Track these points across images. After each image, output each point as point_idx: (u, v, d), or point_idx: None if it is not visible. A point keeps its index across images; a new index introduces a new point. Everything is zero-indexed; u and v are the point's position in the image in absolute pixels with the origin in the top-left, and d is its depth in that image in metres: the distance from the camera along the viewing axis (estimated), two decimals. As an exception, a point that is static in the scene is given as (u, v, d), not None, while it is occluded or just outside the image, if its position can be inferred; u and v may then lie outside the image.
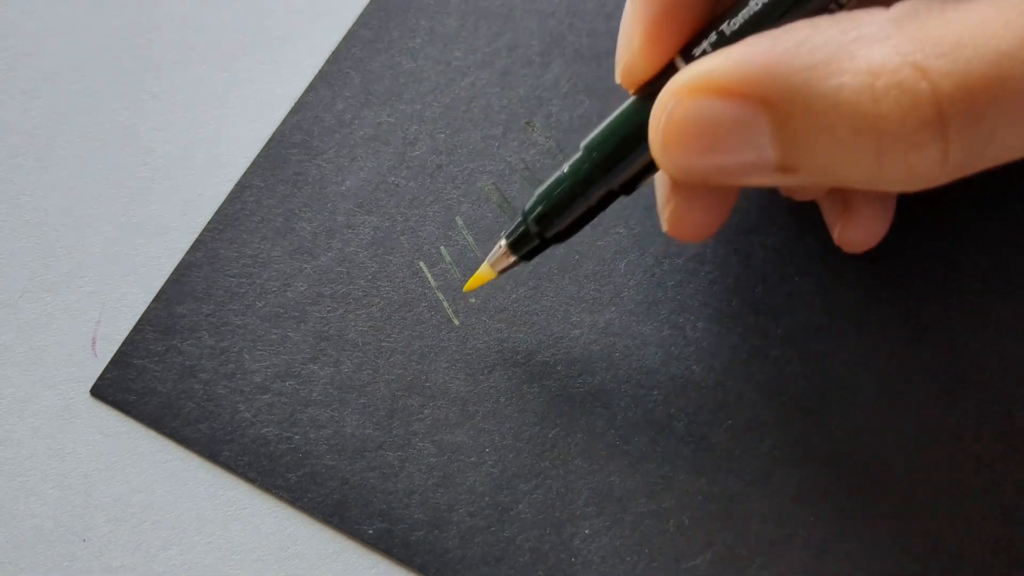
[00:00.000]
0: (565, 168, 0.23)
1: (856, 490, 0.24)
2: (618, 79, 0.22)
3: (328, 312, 0.27)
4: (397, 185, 0.29)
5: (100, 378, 0.27)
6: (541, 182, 0.24)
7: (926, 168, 0.18)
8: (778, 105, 0.19)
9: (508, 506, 0.25)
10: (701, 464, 0.25)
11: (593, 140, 0.22)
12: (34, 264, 0.29)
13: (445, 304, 0.27)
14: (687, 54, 0.21)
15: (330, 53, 0.31)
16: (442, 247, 0.28)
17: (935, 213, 0.27)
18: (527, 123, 0.29)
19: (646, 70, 0.21)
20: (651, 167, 0.22)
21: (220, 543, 0.25)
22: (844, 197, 0.25)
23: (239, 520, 0.25)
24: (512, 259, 0.24)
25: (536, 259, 0.25)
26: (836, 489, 0.24)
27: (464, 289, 0.26)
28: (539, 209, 0.23)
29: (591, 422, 0.25)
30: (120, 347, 0.27)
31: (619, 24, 0.30)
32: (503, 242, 0.24)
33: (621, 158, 0.22)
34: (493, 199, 0.28)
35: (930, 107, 0.18)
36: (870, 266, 0.26)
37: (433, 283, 0.27)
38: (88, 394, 0.27)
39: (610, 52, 0.30)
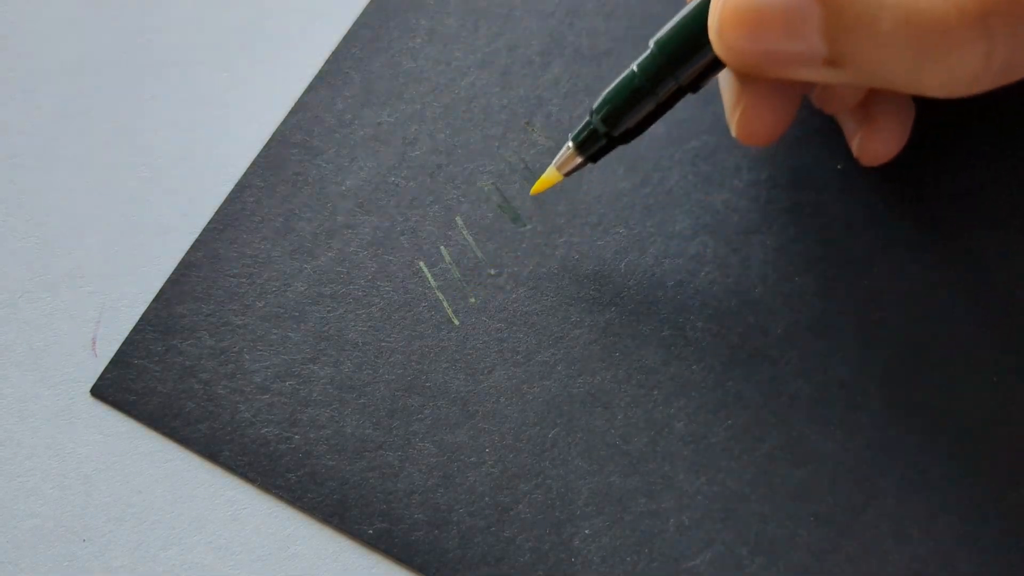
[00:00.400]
0: (634, 67, 0.23)
1: (856, 490, 0.24)
2: None
3: (328, 312, 0.27)
4: (397, 185, 0.29)
5: (100, 378, 0.27)
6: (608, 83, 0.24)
7: (967, 70, 0.19)
8: None
9: (508, 506, 0.25)
10: (701, 464, 0.25)
11: (663, 36, 0.23)
12: (34, 264, 0.29)
13: (445, 304, 0.27)
14: None
15: (330, 53, 0.31)
16: (442, 247, 0.28)
17: (933, 209, 0.27)
18: (527, 123, 0.29)
19: None
20: (718, 63, 0.22)
21: (220, 543, 0.25)
22: (865, 110, 0.25)
23: (239, 520, 0.25)
24: (579, 160, 0.25)
25: (537, 260, 0.25)
26: (836, 489, 0.24)
27: (531, 192, 0.26)
28: (607, 108, 0.24)
29: (591, 422, 0.25)
30: (120, 347, 0.27)
31: (619, 25, 0.30)
32: (570, 143, 0.24)
33: (690, 53, 0.22)
34: (493, 199, 0.28)
35: (974, 3, 0.18)
36: (870, 266, 0.26)
37: (433, 283, 0.27)
38: (88, 394, 0.27)
39: (610, 52, 0.30)
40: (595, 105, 0.24)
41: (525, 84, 0.30)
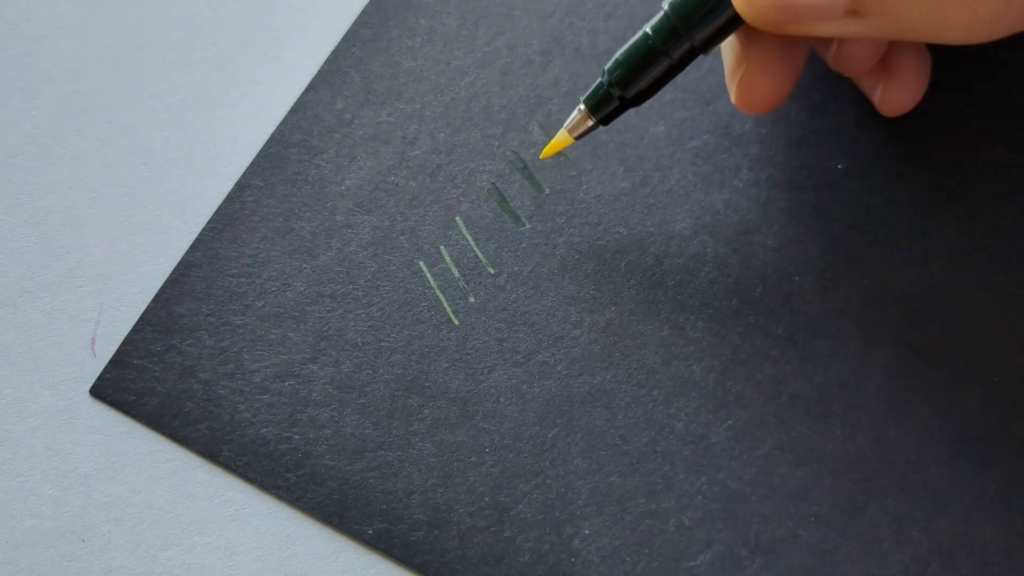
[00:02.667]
0: (647, 28, 0.23)
1: (856, 490, 0.24)
2: None
3: (328, 312, 0.27)
4: (397, 185, 0.29)
5: (99, 378, 0.27)
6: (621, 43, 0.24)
7: (990, 11, 0.18)
8: None
9: (508, 506, 0.25)
10: (701, 464, 0.25)
11: None
12: (34, 264, 0.29)
13: (445, 304, 0.27)
14: None
15: (330, 52, 0.31)
16: (442, 247, 0.28)
17: (933, 209, 0.27)
18: (527, 123, 0.29)
19: None
20: (731, 24, 0.22)
21: (220, 543, 0.25)
22: (884, 62, 0.25)
23: (239, 520, 0.25)
24: (590, 123, 0.25)
25: (537, 260, 0.25)
26: (836, 489, 0.24)
27: (541, 156, 0.26)
28: (620, 70, 0.24)
29: (591, 422, 0.25)
30: (119, 347, 0.27)
31: (619, 24, 0.30)
32: (581, 106, 0.24)
33: (704, 13, 0.22)
34: (493, 199, 0.28)
35: None
36: (870, 266, 0.26)
37: (433, 283, 0.27)
38: (87, 394, 0.27)
39: (610, 52, 0.30)
40: (607, 66, 0.24)
41: (525, 84, 0.30)
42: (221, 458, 0.26)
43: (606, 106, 0.25)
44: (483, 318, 0.27)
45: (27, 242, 0.29)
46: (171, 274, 0.28)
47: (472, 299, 0.27)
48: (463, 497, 0.25)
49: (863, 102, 0.28)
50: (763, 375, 0.26)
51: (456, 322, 0.27)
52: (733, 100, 0.24)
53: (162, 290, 0.28)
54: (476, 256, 0.28)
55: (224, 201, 0.29)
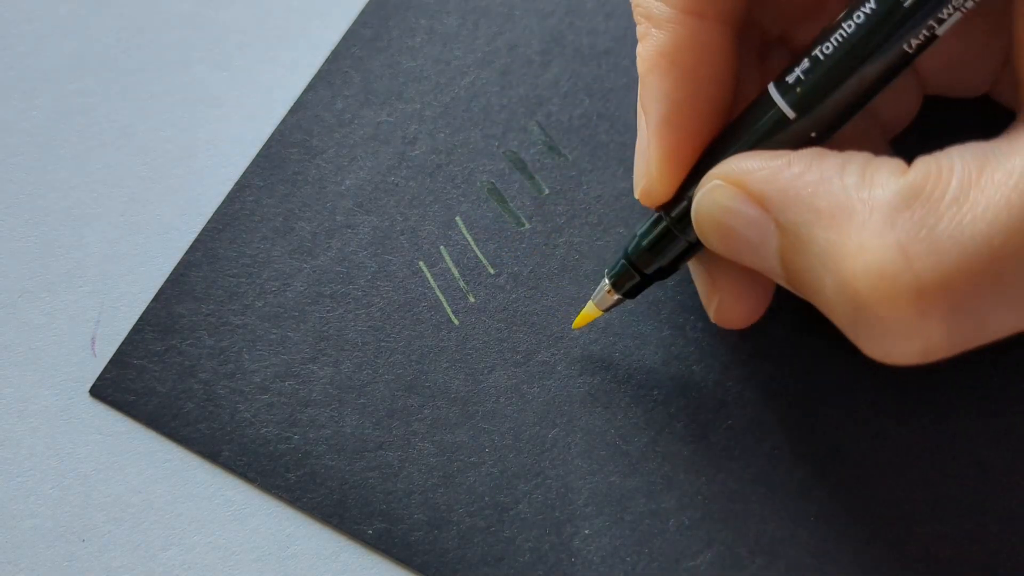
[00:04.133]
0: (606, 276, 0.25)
1: (856, 490, 0.24)
2: (637, 196, 0.23)
3: (328, 312, 0.27)
4: (397, 185, 0.29)
5: (99, 378, 0.27)
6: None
7: (903, 354, 0.19)
8: (786, 230, 0.19)
9: (508, 506, 0.25)
10: (701, 464, 0.25)
11: (629, 248, 0.24)
12: (34, 264, 0.29)
13: (445, 304, 0.27)
14: (780, 82, 0.21)
15: (330, 52, 0.31)
16: (442, 247, 0.28)
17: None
18: (527, 123, 0.29)
19: (664, 194, 0.23)
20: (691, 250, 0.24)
21: (220, 543, 0.25)
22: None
23: (239, 520, 0.25)
24: (616, 297, 0.25)
25: (537, 260, 0.25)
26: (836, 489, 0.24)
27: (573, 326, 0.26)
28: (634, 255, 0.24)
29: (591, 422, 0.25)
30: (119, 347, 0.27)
31: (620, 24, 0.30)
32: (606, 280, 0.25)
33: (655, 256, 0.24)
34: (493, 199, 0.28)
35: (909, 300, 0.18)
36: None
37: (433, 283, 0.27)
38: (87, 394, 0.27)
39: (610, 51, 0.30)
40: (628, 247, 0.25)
41: (525, 83, 0.30)
42: (221, 458, 0.26)
43: (628, 282, 0.25)
44: (483, 318, 0.27)
45: (27, 242, 0.29)
46: (171, 274, 0.28)
47: (472, 299, 0.27)
48: (463, 497, 0.25)
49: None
50: (763, 375, 0.26)
51: (456, 322, 0.27)
52: (712, 320, 0.24)
53: (162, 290, 0.28)
54: (476, 256, 0.28)
55: (224, 201, 0.29)
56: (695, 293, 0.27)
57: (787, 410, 0.25)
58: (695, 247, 0.23)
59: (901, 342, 0.18)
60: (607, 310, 0.25)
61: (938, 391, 0.25)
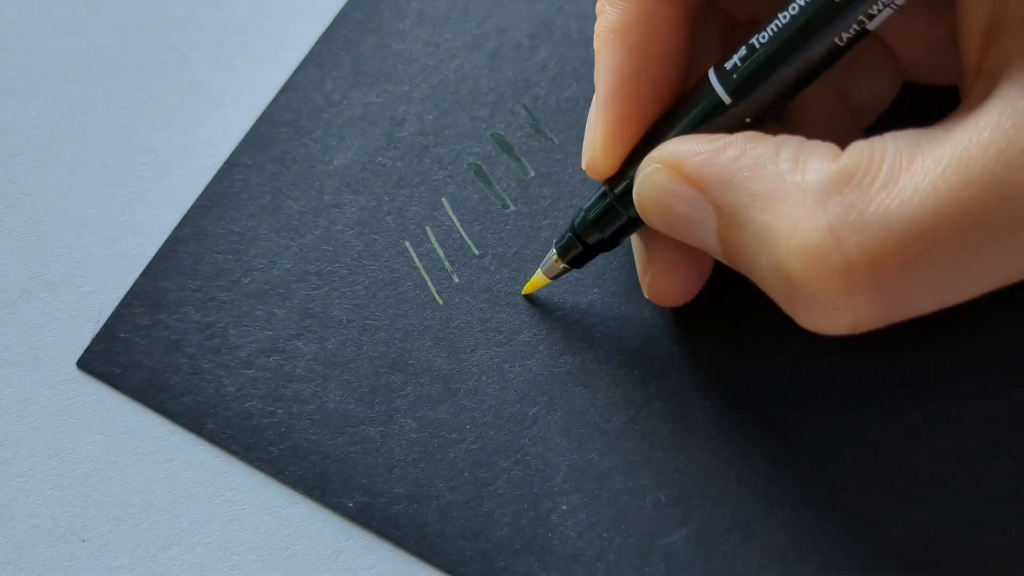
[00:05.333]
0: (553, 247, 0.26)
1: (833, 471, 0.24)
2: (583, 167, 0.24)
3: (313, 289, 0.27)
4: (384, 165, 0.29)
5: (86, 351, 0.27)
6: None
7: (833, 326, 0.20)
8: (723, 211, 0.20)
9: (487, 482, 0.25)
10: (679, 443, 0.25)
11: (575, 221, 0.25)
12: (34, 264, 0.29)
13: (429, 283, 0.27)
14: (719, 67, 0.22)
15: (320, 34, 0.31)
16: (428, 227, 0.28)
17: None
18: (514, 106, 0.29)
19: (606, 168, 0.23)
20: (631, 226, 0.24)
21: (220, 543, 0.25)
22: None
23: (239, 520, 0.25)
24: (562, 266, 0.26)
25: (522, 242, 0.26)
26: (813, 470, 0.25)
27: (523, 292, 0.27)
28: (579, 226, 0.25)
29: (571, 401, 0.26)
30: (107, 320, 0.27)
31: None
32: (553, 250, 0.26)
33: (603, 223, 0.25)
34: (479, 180, 0.29)
35: (838, 277, 0.19)
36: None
37: (418, 263, 0.28)
38: (87, 394, 0.27)
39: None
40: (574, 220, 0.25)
41: (513, 67, 0.30)
42: (205, 431, 0.26)
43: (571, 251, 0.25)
44: (467, 298, 0.27)
45: (27, 242, 0.29)
46: (159, 250, 0.28)
47: (456, 279, 0.27)
48: (443, 472, 0.25)
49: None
50: (742, 355, 0.26)
51: (440, 301, 0.27)
52: (645, 295, 0.25)
53: (150, 265, 0.28)
54: (461, 237, 0.28)
55: (213, 179, 0.29)
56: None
57: (766, 392, 0.25)
58: (636, 222, 0.24)
59: (831, 315, 0.19)
60: (554, 278, 0.26)
61: (914, 374, 0.25)
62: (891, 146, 0.19)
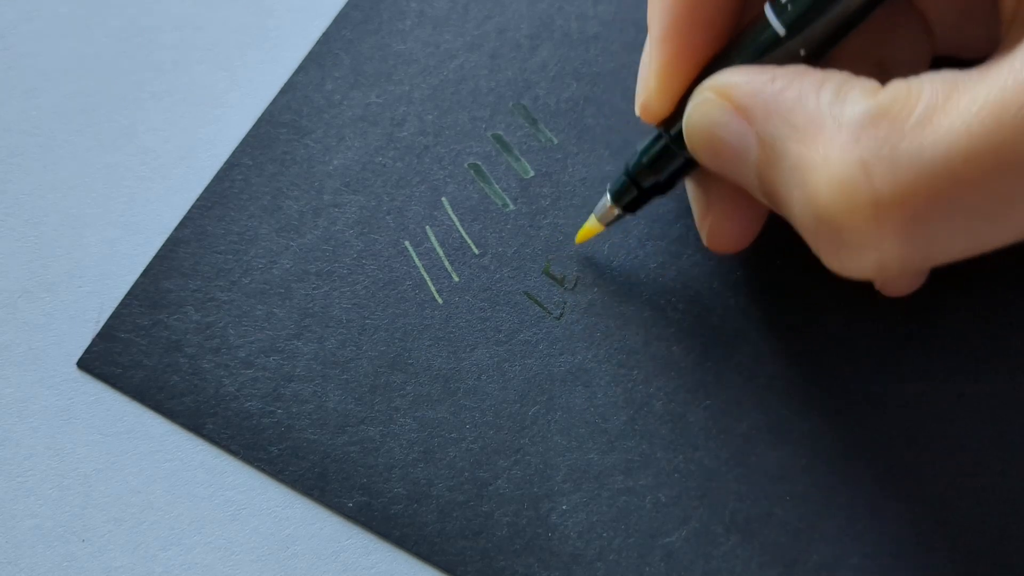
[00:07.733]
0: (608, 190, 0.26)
1: (832, 471, 0.24)
2: (637, 111, 0.24)
3: (313, 289, 0.27)
4: (384, 165, 0.29)
5: (87, 351, 0.27)
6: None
7: (860, 267, 0.19)
8: (765, 142, 0.20)
9: (487, 481, 0.25)
10: (679, 443, 0.25)
11: (630, 163, 0.25)
12: (34, 264, 0.28)
13: (429, 283, 0.27)
14: (775, 1, 0.22)
15: (321, 34, 0.31)
16: (427, 227, 0.28)
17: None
18: (513, 105, 0.29)
19: (661, 109, 0.23)
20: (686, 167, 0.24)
21: (220, 543, 0.25)
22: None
23: (239, 520, 0.25)
24: (617, 212, 0.26)
25: (521, 241, 0.25)
26: (812, 470, 0.24)
27: (576, 241, 0.27)
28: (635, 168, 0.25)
29: (571, 400, 0.26)
30: (107, 321, 0.27)
31: (608, 9, 0.30)
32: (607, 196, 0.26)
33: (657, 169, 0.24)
34: (479, 180, 0.29)
35: (866, 211, 0.18)
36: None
37: (418, 262, 0.28)
38: (88, 394, 0.27)
39: (598, 36, 0.30)
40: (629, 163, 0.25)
41: (513, 67, 0.30)
42: (205, 431, 0.26)
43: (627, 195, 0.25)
44: (467, 297, 0.27)
45: (27, 242, 0.29)
46: (159, 250, 0.28)
47: (456, 278, 0.27)
48: (443, 472, 0.25)
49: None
50: (743, 356, 0.26)
51: (440, 301, 0.27)
52: (704, 243, 0.25)
53: (150, 266, 0.28)
54: (461, 236, 0.28)
55: (213, 179, 0.29)
56: (677, 275, 0.27)
57: (764, 392, 0.25)
58: (692, 164, 0.24)
59: (857, 254, 0.19)
60: (609, 224, 0.26)
61: (913, 373, 0.25)
62: (928, 85, 0.19)
